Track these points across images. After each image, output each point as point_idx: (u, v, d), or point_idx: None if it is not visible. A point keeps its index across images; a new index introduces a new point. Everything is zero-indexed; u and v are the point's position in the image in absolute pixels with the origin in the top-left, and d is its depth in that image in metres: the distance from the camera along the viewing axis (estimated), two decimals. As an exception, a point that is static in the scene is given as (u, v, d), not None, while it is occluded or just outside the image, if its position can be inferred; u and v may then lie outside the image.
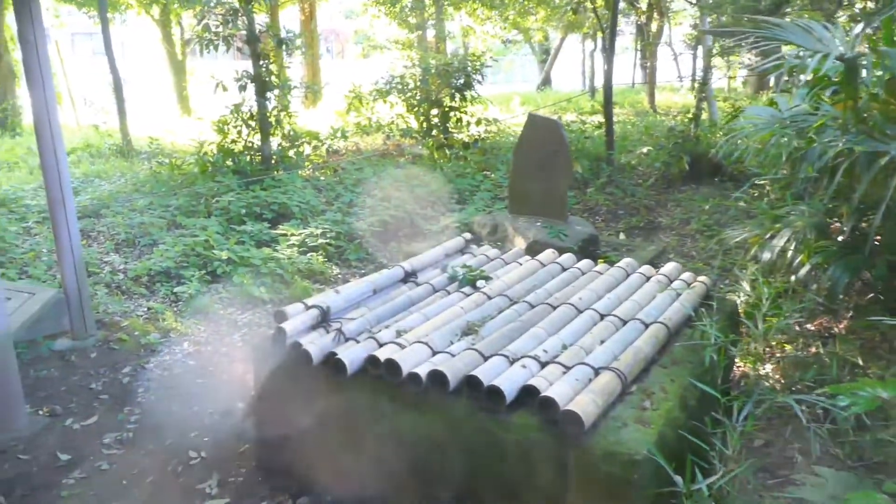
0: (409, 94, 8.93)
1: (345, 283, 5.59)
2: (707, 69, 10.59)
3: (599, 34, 14.96)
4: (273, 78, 7.99)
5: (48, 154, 4.18)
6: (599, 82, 20.46)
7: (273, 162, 8.03)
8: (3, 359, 3.36)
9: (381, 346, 2.82)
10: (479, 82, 9.06)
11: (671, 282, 3.60)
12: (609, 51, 8.51)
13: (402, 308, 3.26)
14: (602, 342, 2.86)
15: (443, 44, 14.76)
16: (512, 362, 2.66)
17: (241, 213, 6.63)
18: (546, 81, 22.69)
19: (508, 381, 2.51)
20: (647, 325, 3.03)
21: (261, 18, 8.34)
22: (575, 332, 2.94)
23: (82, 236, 6.37)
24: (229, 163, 7.92)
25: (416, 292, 3.41)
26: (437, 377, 2.57)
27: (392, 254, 6.22)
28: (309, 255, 5.86)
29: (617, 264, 3.78)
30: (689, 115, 9.05)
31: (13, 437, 3.41)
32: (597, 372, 2.60)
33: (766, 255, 4.00)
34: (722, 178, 7.72)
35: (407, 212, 6.85)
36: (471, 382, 2.55)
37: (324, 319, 3.01)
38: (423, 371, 2.59)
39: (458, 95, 8.89)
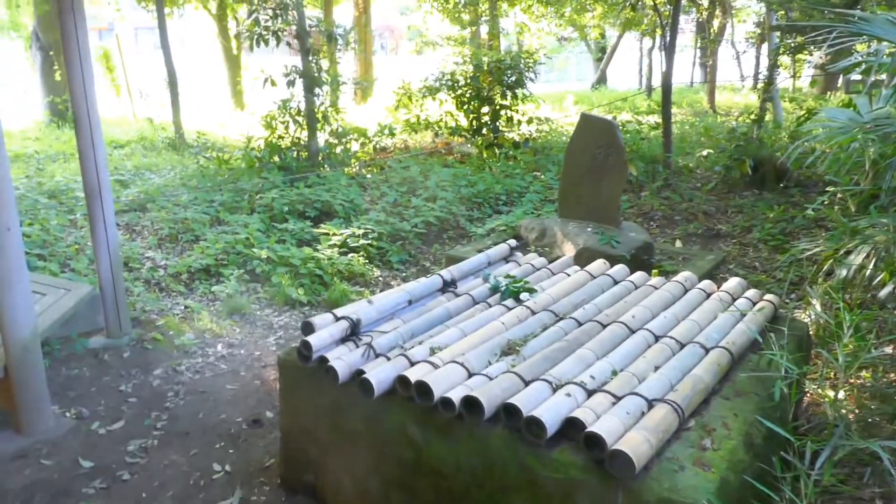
0: (460, 91, 8.69)
1: (385, 287, 5.43)
2: (773, 68, 10.05)
3: (658, 32, 14.48)
4: (323, 74, 7.86)
5: (86, 147, 4.09)
6: (657, 81, 19.98)
7: (319, 158, 7.92)
8: (29, 360, 3.27)
9: (412, 364, 2.60)
10: (532, 80, 8.77)
11: (734, 300, 3.28)
12: (669, 48, 8.12)
13: (439, 321, 3.03)
14: (656, 368, 2.58)
15: (496, 41, 14.46)
16: (555, 389, 2.41)
17: (283, 210, 6.51)
18: (601, 80, 22.18)
19: (550, 411, 2.26)
20: (707, 350, 2.74)
21: (313, 14, 8.24)
22: (626, 356, 2.67)
23: (127, 230, 6.36)
24: (276, 159, 7.84)
25: (455, 304, 3.18)
26: (471, 403, 2.33)
27: (435, 257, 6.02)
28: (350, 255, 5.69)
29: (674, 278, 3.48)
30: (753, 117, 8.60)
31: (38, 440, 3.32)
32: (650, 404, 2.32)
33: (843, 272, 3.63)
34: (787, 184, 7.26)
35: (452, 213, 6.63)
36: (509, 410, 2.31)
37: (353, 332, 2.81)
38: (456, 396, 2.36)
39: (509, 93, 8.61)
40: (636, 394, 2.35)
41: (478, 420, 2.33)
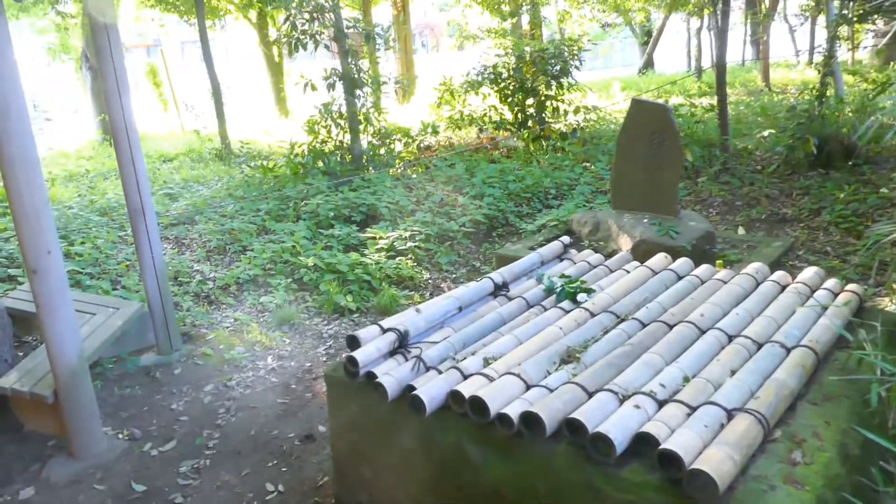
0: (503, 83, 8.47)
1: (435, 290, 5.28)
2: (832, 40, 9.51)
3: (708, 10, 13.93)
4: (362, 75, 7.76)
5: (126, 164, 4.05)
6: (706, 62, 19.35)
7: (363, 161, 7.83)
8: (77, 384, 3.22)
9: (465, 377, 2.43)
10: (577, 68, 8.49)
11: (813, 292, 3.02)
12: (722, 26, 7.74)
13: (492, 328, 2.86)
14: (733, 373, 2.35)
15: (538, 30, 14.16)
16: (622, 400, 2.21)
17: (329, 216, 6.43)
18: (648, 64, 21.60)
19: (618, 426, 2.06)
20: (788, 350, 2.49)
21: (351, 15, 8.15)
22: (698, 359, 2.44)
23: (176, 244, 6.37)
24: (320, 164, 7.78)
25: (508, 309, 3.00)
26: (531, 419, 2.15)
27: (485, 256, 5.84)
28: (398, 259, 5.56)
29: (744, 270, 3.22)
30: (814, 92, 8.13)
31: (91, 464, 3.27)
32: (730, 414, 2.10)
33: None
34: (857, 161, 6.83)
35: (501, 210, 6.43)
36: (572, 425, 2.12)
37: (401, 344, 2.66)
38: (514, 412, 2.18)
39: (554, 83, 8.36)
40: (713, 403, 2.13)
41: (539, 437, 2.15)
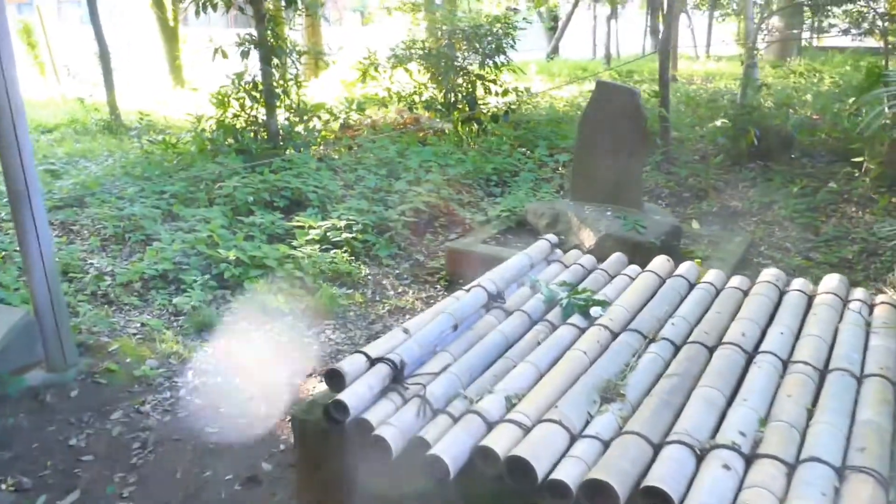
0: (432, 60, 7.88)
1: (377, 287, 4.69)
2: (753, 32, 9.58)
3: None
4: (281, 42, 6.97)
5: (6, 134, 3.20)
6: (615, 49, 19.49)
7: (280, 139, 7.05)
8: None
9: (489, 425, 1.90)
10: (512, 46, 8.02)
11: (844, 303, 2.68)
12: (669, 11, 7.55)
13: (498, 352, 2.34)
14: (808, 411, 1.95)
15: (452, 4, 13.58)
16: (700, 455, 1.75)
17: (247, 200, 5.66)
18: (555, 50, 21.54)
19: (714, 495, 1.59)
20: (858, 379, 2.12)
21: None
22: (763, 395, 2.03)
23: (63, 231, 5.42)
24: (231, 141, 6.94)
25: (511, 326, 2.48)
26: (594, 488, 1.65)
27: (429, 249, 5.29)
28: (332, 252, 4.92)
29: (763, 279, 2.85)
30: (736, 83, 8.08)
31: (-38, 528, 2.50)
32: (839, 473, 1.69)
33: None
34: (793, 154, 6.77)
35: (442, 197, 5.89)
36: (648, 494, 1.64)
37: (395, 379, 2.08)
38: (570, 478, 1.67)
39: (490, 62, 7.85)
40: (817, 460, 1.71)
41: (605, 510, 1.65)
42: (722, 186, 6.28)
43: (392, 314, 4.36)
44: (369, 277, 4.86)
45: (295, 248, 4.90)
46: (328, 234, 5.11)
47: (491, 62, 7.82)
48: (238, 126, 7.08)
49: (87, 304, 4.27)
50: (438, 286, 4.72)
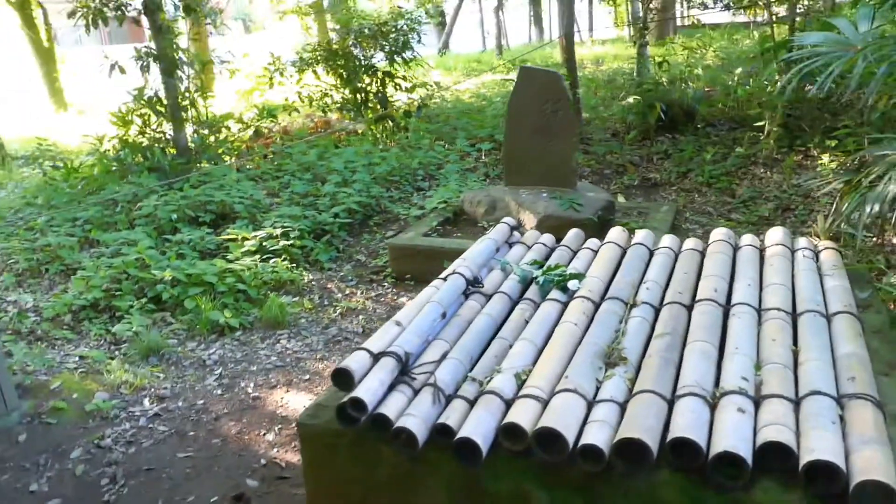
0: (339, 61, 7.79)
1: (323, 292, 4.60)
2: (646, 14, 10.03)
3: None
4: (181, 54, 6.71)
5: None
6: (505, 40, 19.91)
7: (192, 153, 6.79)
8: None
9: (506, 403, 1.92)
10: (419, 41, 8.05)
11: (793, 252, 2.87)
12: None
13: (490, 334, 2.35)
14: (795, 353, 2.08)
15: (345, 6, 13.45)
16: (713, 404, 1.83)
17: (171, 218, 5.42)
18: (445, 45, 21.76)
19: (740, 438, 1.67)
20: (827, 318, 2.28)
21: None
22: (750, 342, 2.14)
23: (-32, 270, 5.02)
24: (140, 159, 6.62)
25: (495, 309, 2.50)
26: (626, 448, 1.70)
27: (368, 248, 5.24)
28: (273, 261, 4.79)
29: (716, 238, 3.00)
30: (631, 63, 8.46)
31: None
32: (838, 402, 1.81)
33: (872, 208, 3.30)
34: (697, 125, 7.14)
35: (373, 196, 5.85)
36: (676, 446, 1.70)
37: (403, 371, 2.06)
38: (601, 441, 1.72)
39: (398, 58, 7.84)
40: (818, 393, 1.82)
41: (637, 468, 1.70)
42: (638, 161, 6.55)
43: (345, 316, 4.30)
44: (314, 283, 4.77)
45: (231, 261, 4.74)
46: (264, 243, 4.99)
47: (399, 58, 7.80)
48: (143, 144, 6.77)
49: (12, 343, 3.98)
50: (386, 283, 4.69)
